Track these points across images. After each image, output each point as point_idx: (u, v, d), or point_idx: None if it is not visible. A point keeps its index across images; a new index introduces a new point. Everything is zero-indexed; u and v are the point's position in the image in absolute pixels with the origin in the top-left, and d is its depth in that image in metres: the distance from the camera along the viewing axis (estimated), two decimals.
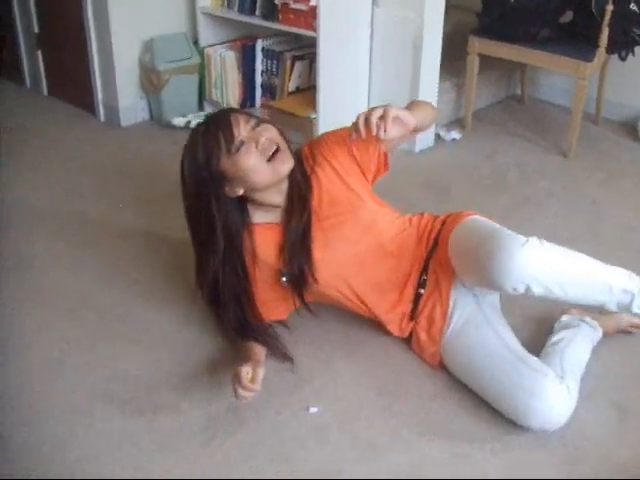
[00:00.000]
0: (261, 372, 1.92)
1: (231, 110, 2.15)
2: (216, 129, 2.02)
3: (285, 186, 2.12)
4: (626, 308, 1.95)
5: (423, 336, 2.18)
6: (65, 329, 2.35)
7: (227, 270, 2.10)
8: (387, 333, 2.25)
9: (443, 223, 2.23)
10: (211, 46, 3.83)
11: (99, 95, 3.81)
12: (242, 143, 2.01)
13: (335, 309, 2.31)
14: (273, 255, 2.13)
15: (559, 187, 3.26)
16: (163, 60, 3.65)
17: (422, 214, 2.33)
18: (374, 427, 2.00)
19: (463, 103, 3.91)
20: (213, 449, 1.93)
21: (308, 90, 3.72)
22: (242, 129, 2.02)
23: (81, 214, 3.00)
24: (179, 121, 3.70)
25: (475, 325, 2.10)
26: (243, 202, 2.11)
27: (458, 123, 3.91)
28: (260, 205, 2.12)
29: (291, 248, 2.11)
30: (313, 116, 3.46)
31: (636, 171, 3.46)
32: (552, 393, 1.89)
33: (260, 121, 2.07)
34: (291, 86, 3.72)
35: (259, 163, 2.01)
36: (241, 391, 1.89)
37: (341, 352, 2.25)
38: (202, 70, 3.84)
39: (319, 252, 2.12)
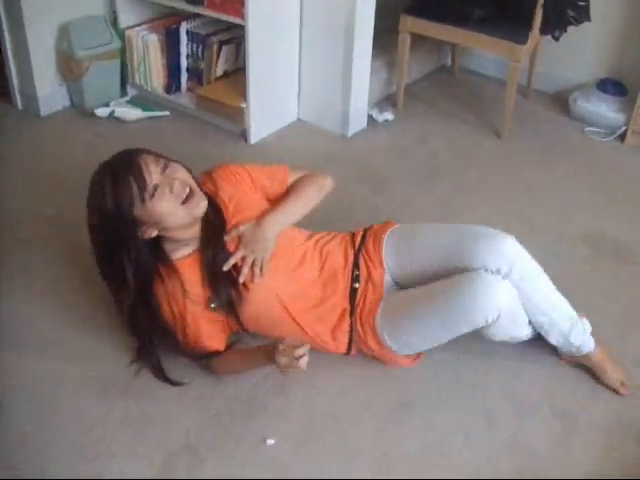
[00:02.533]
0: (287, 339, 1.94)
1: (138, 151, 2.05)
2: (125, 174, 1.97)
3: (198, 220, 2.11)
4: (565, 338, 2.16)
5: (366, 328, 2.18)
6: None
7: (140, 312, 2.11)
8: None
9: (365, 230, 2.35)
10: (132, 27, 3.65)
11: (15, 83, 3.59)
12: (156, 188, 1.98)
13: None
14: (201, 284, 2.10)
15: (494, 173, 3.27)
16: (82, 47, 3.46)
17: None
18: (332, 456, 2.01)
19: (394, 80, 3.85)
20: None
21: (235, 74, 3.62)
22: (153, 172, 1.99)
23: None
24: (103, 112, 3.54)
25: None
26: (156, 242, 2.09)
27: (390, 100, 3.86)
28: (176, 242, 2.11)
29: (214, 277, 2.10)
30: (244, 105, 3.35)
31: (568, 151, 3.50)
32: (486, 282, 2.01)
33: (168, 161, 2.06)
34: (218, 70, 3.60)
35: (174, 207, 2.01)
36: (302, 361, 1.88)
37: (291, 376, 2.21)
38: (123, 54, 3.67)
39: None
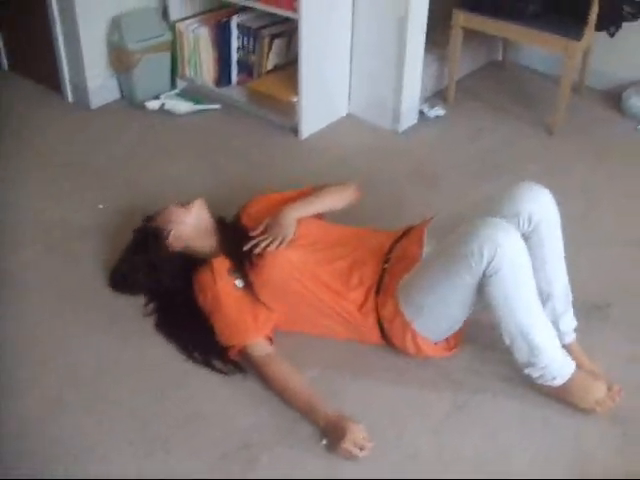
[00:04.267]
0: (361, 425, 1.99)
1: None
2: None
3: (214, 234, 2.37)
4: (556, 318, 2.13)
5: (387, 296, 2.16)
6: None
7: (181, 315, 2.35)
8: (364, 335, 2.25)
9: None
10: (182, 20, 3.65)
11: (66, 75, 3.61)
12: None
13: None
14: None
15: (546, 171, 3.21)
16: (133, 39, 3.47)
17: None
18: (387, 459, 1.98)
19: (445, 74, 3.80)
20: None
21: (287, 67, 3.59)
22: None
23: (61, 219, 2.87)
24: (153, 104, 3.55)
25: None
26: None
27: (440, 96, 3.81)
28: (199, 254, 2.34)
29: (235, 254, 2.26)
30: (295, 99, 3.33)
31: (621, 149, 3.43)
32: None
33: None
34: (269, 64, 3.58)
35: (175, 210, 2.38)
36: (364, 452, 1.95)
37: (346, 376, 2.22)
38: (174, 46, 3.67)
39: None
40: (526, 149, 3.39)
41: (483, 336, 2.30)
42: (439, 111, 3.63)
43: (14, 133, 3.40)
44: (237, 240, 2.30)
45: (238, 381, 2.18)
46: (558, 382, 2.06)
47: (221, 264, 2.25)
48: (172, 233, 2.32)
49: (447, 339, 2.22)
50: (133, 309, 2.41)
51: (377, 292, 2.18)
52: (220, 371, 2.20)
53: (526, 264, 1.98)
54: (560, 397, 2.09)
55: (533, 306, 2.01)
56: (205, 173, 3.17)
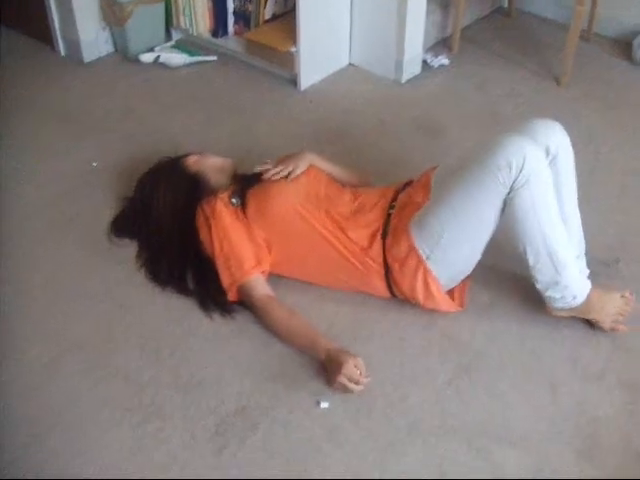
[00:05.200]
0: (359, 359, 1.95)
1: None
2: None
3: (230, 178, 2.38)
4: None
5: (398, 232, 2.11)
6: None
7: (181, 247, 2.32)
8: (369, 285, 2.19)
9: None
10: None
11: (57, 28, 3.49)
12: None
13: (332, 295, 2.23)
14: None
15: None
16: None
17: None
18: (391, 423, 1.93)
19: (449, 22, 3.67)
20: (225, 459, 1.85)
21: (285, 16, 3.46)
22: None
23: (53, 177, 2.79)
24: (148, 57, 3.43)
25: None
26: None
27: (445, 44, 3.68)
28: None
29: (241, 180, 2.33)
30: (293, 49, 3.22)
31: (632, 98, 3.31)
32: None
33: None
34: (267, 13, 3.45)
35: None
36: (359, 387, 1.93)
37: (348, 337, 2.14)
38: None
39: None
40: (533, 99, 3.27)
41: (487, 295, 2.25)
42: (443, 60, 3.51)
43: (5, 88, 3.30)
44: (247, 179, 2.32)
45: (232, 346, 2.13)
46: (578, 301, 2.06)
47: (224, 197, 2.24)
48: (196, 157, 2.37)
49: (452, 296, 2.15)
50: (129, 274, 2.35)
51: (383, 236, 2.12)
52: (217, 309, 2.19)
53: (550, 177, 1.98)
54: (581, 315, 2.11)
55: (557, 221, 2.00)
56: (202, 127, 3.08)
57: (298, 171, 2.26)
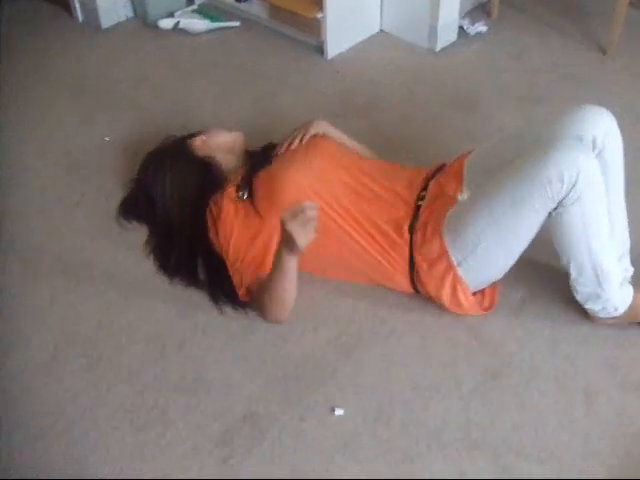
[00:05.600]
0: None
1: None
2: None
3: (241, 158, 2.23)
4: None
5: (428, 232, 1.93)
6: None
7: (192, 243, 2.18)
8: (391, 278, 2.03)
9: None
10: None
11: None
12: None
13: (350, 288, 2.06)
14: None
15: (599, 96, 2.87)
16: None
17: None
18: (410, 433, 1.78)
19: None
20: (231, 469, 1.72)
21: None
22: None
23: (64, 152, 2.66)
24: (166, 23, 3.26)
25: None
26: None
27: (482, 10, 3.45)
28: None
29: (250, 167, 2.13)
30: (320, 15, 3.02)
31: None
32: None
33: None
34: None
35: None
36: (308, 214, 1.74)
37: (366, 336, 2.00)
38: None
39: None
40: (576, 71, 3.04)
41: (520, 291, 2.09)
42: (481, 27, 3.28)
43: (21, 55, 3.17)
44: (258, 158, 2.17)
45: (243, 343, 1.99)
46: (620, 311, 1.92)
47: (231, 192, 2.07)
48: (202, 137, 2.21)
49: (482, 296, 1.99)
50: (137, 261, 2.22)
51: (411, 230, 1.95)
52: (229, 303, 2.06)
53: (603, 189, 1.79)
54: (626, 321, 1.95)
55: (606, 231, 1.83)
56: (221, 98, 2.92)
57: (309, 135, 2.15)
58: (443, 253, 1.88)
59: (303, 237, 1.72)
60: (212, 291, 2.07)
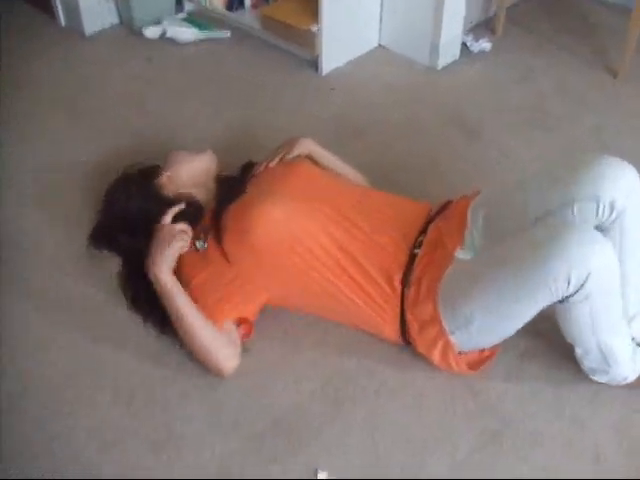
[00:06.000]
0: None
1: None
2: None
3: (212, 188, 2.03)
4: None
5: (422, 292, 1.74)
6: None
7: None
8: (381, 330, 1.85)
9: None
10: None
11: None
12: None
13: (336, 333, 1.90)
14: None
15: (610, 122, 2.71)
16: None
17: None
18: None
19: (493, 1, 3.27)
20: None
21: None
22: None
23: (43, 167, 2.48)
24: (152, 32, 3.09)
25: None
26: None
27: (487, 26, 3.28)
28: None
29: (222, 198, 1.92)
30: (315, 28, 2.85)
31: None
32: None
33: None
34: None
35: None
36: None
37: (353, 390, 1.82)
38: None
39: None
40: (585, 95, 2.87)
41: (522, 343, 1.91)
42: (485, 44, 3.12)
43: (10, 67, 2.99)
44: (231, 188, 1.95)
45: (218, 394, 1.81)
46: (630, 379, 1.76)
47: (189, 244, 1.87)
48: (167, 174, 1.98)
49: (478, 354, 1.81)
50: (108, 296, 2.04)
51: (403, 283, 1.75)
52: None
53: (618, 284, 1.58)
54: (636, 387, 1.77)
55: (618, 318, 1.64)
56: (210, 114, 2.75)
57: (291, 156, 2.01)
58: (436, 319, 1.71)
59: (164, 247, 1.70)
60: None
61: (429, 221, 1.88)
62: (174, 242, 1.75)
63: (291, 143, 2.06)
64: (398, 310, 1.76)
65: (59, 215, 2.29)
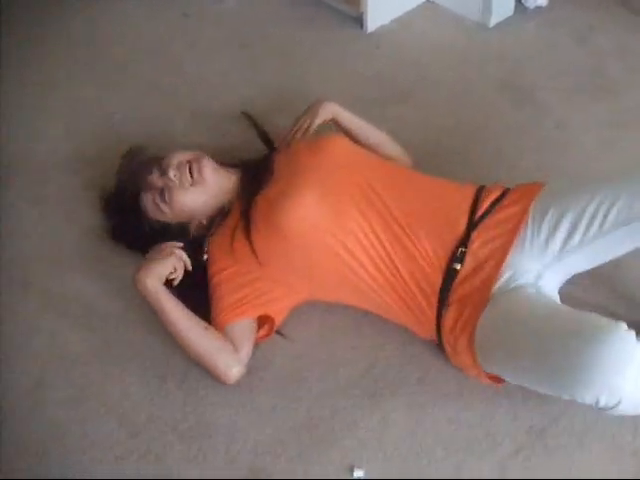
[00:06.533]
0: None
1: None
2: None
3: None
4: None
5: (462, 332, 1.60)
6: None
7: None
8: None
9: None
10: None
11: None
12: (163, 194, 1.76)
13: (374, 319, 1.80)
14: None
15: None
16: None
17: None
18: None
19: None
20: None
21: None
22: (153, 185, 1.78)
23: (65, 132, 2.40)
24: None
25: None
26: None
27: None
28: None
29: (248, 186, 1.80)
30: None
31: None
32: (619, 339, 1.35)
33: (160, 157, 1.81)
34: None
35: (188, 193, 1.76)
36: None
37: (393, 380, 1.73)
38: None
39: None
40: None
41: None
42: (541, 0, 2.91)
43: (30, 14, 2.88)
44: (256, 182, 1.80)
45: (251, 381, 1.74)
46: None
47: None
48: (165, 209, 1.80)
49: None
50: None
51: (440, 301, 1.61)
52: None
53: None
54: None
55: None
56: (243, 73, 2.61)
57: (313, 125, 1.91)
58: (471, 356, 1.58)
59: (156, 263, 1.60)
60: None
61: (480, 217, 1.67)
62: (172, 258, 1.63)
63: (314, 109, 1.95)
64: (434, 323, 1.64)
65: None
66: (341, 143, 1.82)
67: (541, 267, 1.61)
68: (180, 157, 1.78)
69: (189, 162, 1.76)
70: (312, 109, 1.95)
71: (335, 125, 2.00)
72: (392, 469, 1.59)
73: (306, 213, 1.62)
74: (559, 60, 2.67)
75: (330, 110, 1.95)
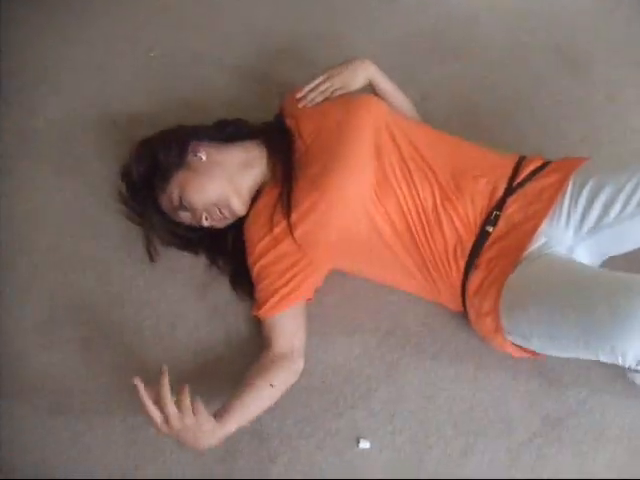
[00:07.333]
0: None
1: None
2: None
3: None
4: None
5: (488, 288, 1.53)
6: None
7: None
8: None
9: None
10: None
11: None
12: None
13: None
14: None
15: None
16: None
17: None
18: None
19: None
20: None
21: None
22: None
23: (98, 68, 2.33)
24: None
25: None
26: None
27: None
28: None
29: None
30: None
31: None
32: None
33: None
34: None
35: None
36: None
37: (410, 351, 1.69)
38: None
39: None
40: None
41: None
42: None
43: None
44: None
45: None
46: None
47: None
48: (186, 214, 1.71)
49: None
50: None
51: (467, 265, 1.55)
52: None
53: None
54: None
55: None
56: (290, 19, 2.48)
57: (348, 89, 1.76)
58: (496, 318, 1.51)
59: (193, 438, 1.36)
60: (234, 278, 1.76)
61: (518, 185, 1.61)
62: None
63: (352, 69, 1.78)
64: (459, 291, 1.58)
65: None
66: (379, 105, 1.73)
67: (575, 240, 1.54)
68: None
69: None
70: (350, 68, 1.79)
71: (371, 87, 1.88)
72: (398, 444, 1.56)
73: (347, 195, 1.54)
74: (617, 32, 2.53)
75: (365, 69, 1.80)
